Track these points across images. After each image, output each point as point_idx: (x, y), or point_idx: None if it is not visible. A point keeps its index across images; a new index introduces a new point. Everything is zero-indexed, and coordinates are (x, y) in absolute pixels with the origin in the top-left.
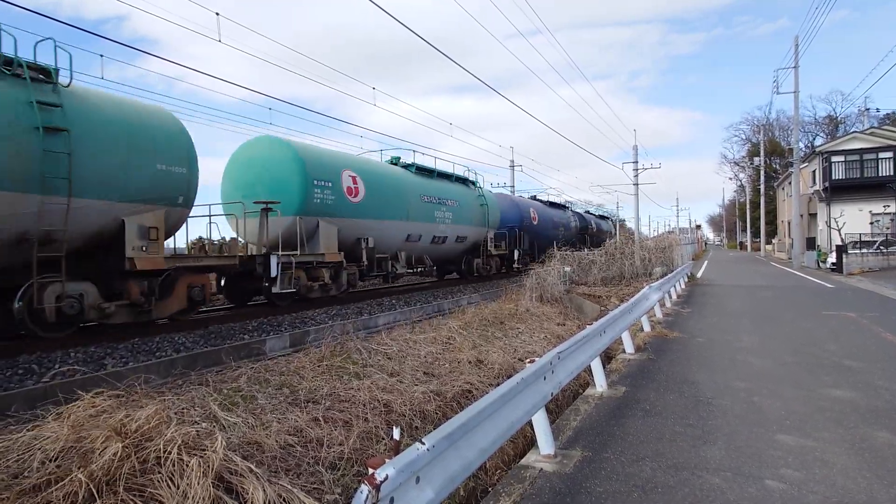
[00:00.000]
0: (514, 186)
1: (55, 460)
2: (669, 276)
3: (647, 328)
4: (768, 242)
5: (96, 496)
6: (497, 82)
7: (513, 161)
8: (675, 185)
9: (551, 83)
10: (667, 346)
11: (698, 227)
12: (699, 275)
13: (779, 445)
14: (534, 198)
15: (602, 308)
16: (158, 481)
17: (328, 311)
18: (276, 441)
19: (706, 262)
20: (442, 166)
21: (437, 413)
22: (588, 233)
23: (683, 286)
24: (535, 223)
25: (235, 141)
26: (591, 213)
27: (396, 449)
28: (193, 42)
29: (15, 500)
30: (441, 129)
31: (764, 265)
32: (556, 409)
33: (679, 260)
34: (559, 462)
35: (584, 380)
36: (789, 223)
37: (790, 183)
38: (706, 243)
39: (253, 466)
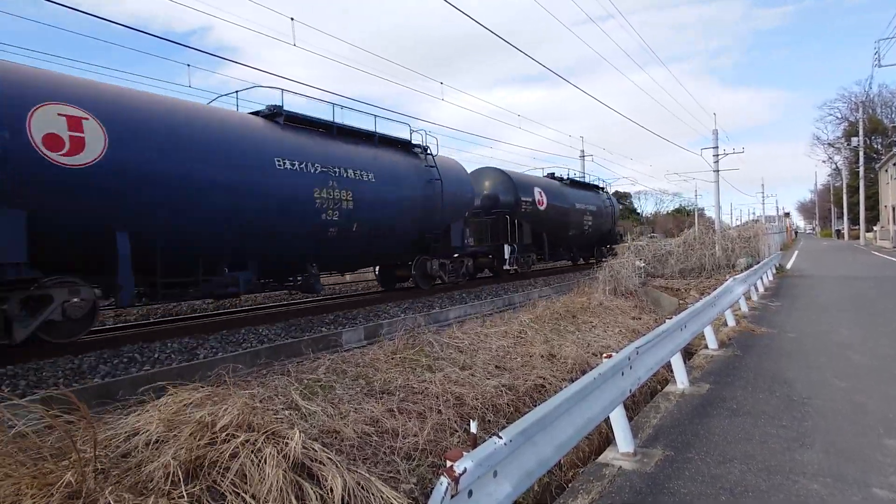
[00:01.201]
0: (584, 176)
1: (156, 443)
2: (755, 267)
3: (731, 322)
4: (868, 230)
5: (191, 477)
6: (566, 71)
7: (583, 151)
8: (760, 170)
9: (623, 69)
10: (754, 342)
11: (787, 214)
12: (789, 266)
13: (887, 450)
14: (552, 176)
15: (680, 301)
16: (243, 465)
17: (400, 304)
18: (354, 430)
19: (796, 252)
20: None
21: (509, 407)
22: (520, 211)
23: (771, 278)
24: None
25: None
26: (555, 178)
27: (474, 442)
28: (270, 48)
29: (122, 477)
30: (509, 120)
31: (864, 254)
32: (632, 405)
33: (766, 250)
34: (639, 460)
35: (661, 376)
36: (894, 208)
37: (895, 164)
38: (796, 232)
39: (332, 454)
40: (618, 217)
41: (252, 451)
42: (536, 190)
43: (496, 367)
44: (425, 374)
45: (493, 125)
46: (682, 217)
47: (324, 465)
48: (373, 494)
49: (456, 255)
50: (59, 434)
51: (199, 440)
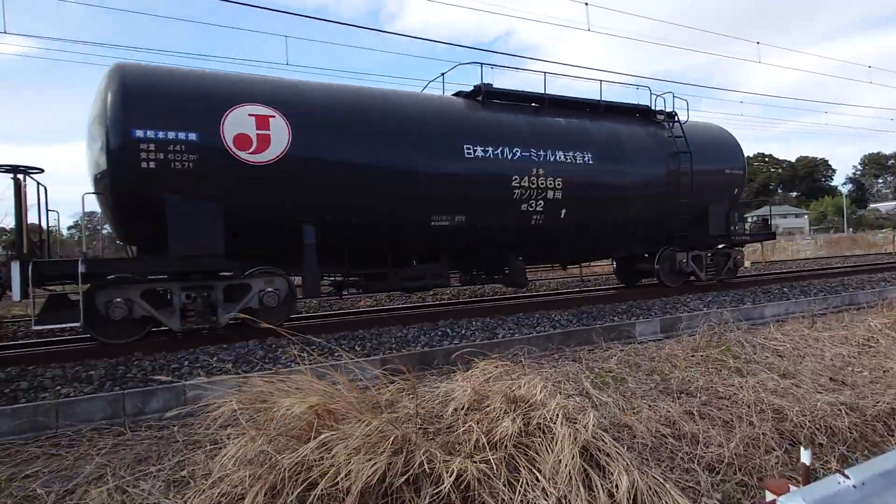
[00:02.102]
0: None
1: (462, 410)
2: None
3: None
4: None
5: (491, 446)
6: None
7: None
8: None
9: None
10: None
11: None
12: None
13: None
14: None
15: None
16: (539, 444)
17: (702, 297)
18: (647, 428)
19: None
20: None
21: (851, 432)
22: (139, 169)
23: None
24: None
25: None
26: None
27: (806, 476)
28: (565, 42)
29: (434, 436)
30: (853, 75)
31: None
32: None
33: None
34: None
35: None
36: None
37: None
38: None
39: (622, 449)
40: (732, 185)
41: (545, 431)
42: (237, 114)
43: (831, 379)
44: (733, 377)
45: (829, 83)
46: None
47: (612, 458)
48: (665, 502)
49: None
50: (394, 388)
51: (498, 416)
